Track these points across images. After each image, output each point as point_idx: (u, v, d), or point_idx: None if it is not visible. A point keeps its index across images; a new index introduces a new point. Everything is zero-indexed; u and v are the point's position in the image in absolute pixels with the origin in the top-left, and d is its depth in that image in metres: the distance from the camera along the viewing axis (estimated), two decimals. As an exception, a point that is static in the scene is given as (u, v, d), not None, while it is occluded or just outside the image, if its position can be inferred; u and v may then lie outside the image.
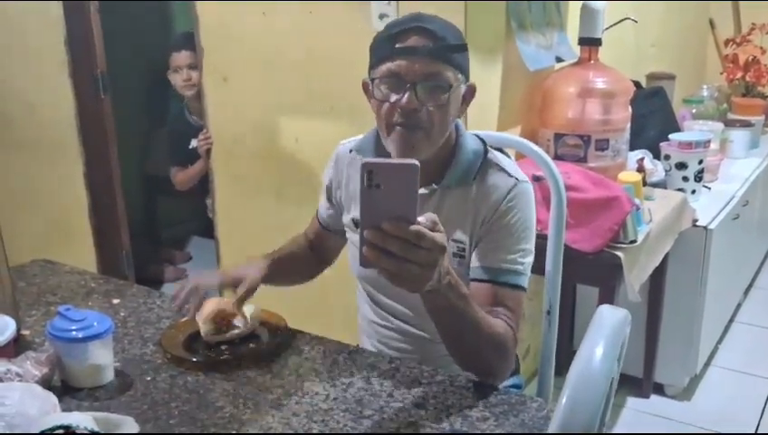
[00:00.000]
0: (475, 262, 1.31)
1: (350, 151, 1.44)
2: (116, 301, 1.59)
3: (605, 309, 0.99)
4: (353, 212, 1.43)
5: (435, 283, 1.02)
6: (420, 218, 0.97)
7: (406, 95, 1.21)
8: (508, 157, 1.40)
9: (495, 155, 1.35)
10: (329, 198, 1.52)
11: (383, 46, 1.24)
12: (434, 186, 1.32)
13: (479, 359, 1.22)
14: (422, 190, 1.31)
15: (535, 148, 1.56)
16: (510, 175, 1.31)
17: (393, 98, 1.22)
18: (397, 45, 1.21)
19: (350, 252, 1.49)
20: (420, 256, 0.96)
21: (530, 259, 1.32)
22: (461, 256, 1.32)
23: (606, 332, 0.93)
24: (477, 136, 1.38)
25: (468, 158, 1.32)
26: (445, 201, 1.33)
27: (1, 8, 2.71)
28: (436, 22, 1.24)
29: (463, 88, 1.28)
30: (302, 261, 1.59)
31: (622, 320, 0.97)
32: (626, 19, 2.66)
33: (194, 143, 3.02)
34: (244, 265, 1.45)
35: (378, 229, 0.93)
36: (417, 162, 0.93)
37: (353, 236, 1.43)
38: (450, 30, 1.25)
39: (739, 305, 3.23)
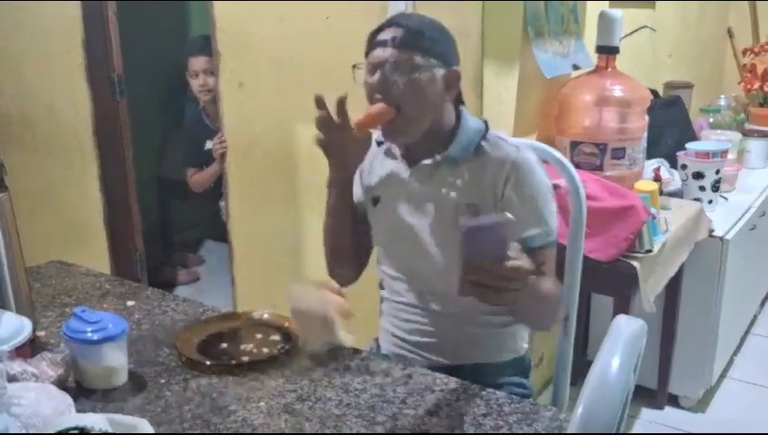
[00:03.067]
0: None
1: (378, 144, 1.54)
2: (131, 303, 1.60)
3: (622, 319, 0.98)
4: (374, 190, 1.52)
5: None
6: (510, 253, 1.08)
7: (377, 75, 1.35)
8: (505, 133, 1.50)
9: (496, 132, 1.45)
10: (361, 185, 1.57)
11: (368, 42, 1.39)
12: (437, 157, 1.42)
13: (538, 317, 1.38)
14: (427, 161, 1.42)
15: (557, 154, 1.57)
16: (511, 145, 1.41)
17: (369, 79, 1.37)
18: (375, 39, 1.37)
19: (372, 229, 1.55)
20: (514, 283, 1.08)
21: (554, 213, 1.41)
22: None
23: (622, 342, 0.92)
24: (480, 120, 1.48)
25: (469, 133, 1.42)
26: (451, 171, 1.42)
27: (20, 11, 2.74)
28: (414, 18, 1.42)
29: (440, 71, 1.36)
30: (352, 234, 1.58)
31: (639, 331, 0.97)
32: (643, 27, 2.65)
33: (209, 145, 3.04)
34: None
35: (477, 268, 1.05)
36: (508, 219, 1.07)
37: (373, 213, 1.53)
38: (426, 23, 1.38)
39: (755, 317, 3.20)
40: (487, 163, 1.39)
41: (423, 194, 1.43)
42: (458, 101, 1.46)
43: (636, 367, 0.96)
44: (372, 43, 1.38)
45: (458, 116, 1.44)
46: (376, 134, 1.48)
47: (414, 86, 1.34)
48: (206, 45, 2.97)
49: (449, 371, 1.36)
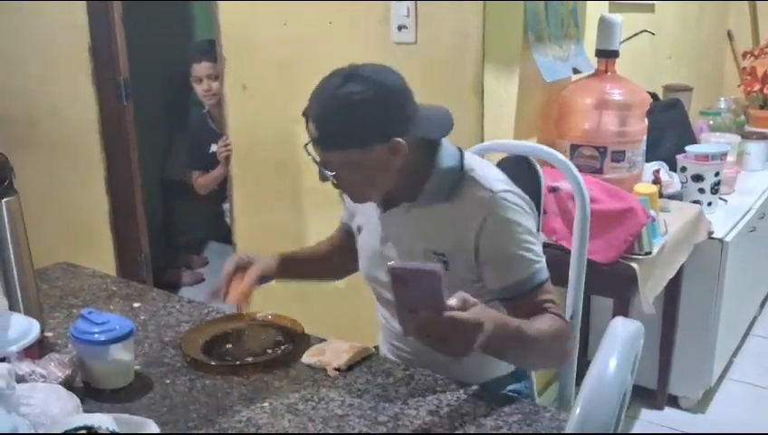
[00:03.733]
0: (495, 284, 1.33)
1: None
2: (136, 304, 1.62)
3: (619, 321, 1.00)
4: (356, 220, 1.52)
5: (482, 342, 1.07)
6: (451, 301, 1.05)
7: (321, 178, 1.33)
8: (489, 166, 1.41)
9: (473, 168, 1.36)
10: (347, 205, 1.58)
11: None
12: (406, 204, 1.38)
13: (547, 360, 1.34)
14: (397, 208, 1.38)
15: (562, 157, 1.59)
16: (485, 187, 1.32)
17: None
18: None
19: (360, 253, 1.53)
20: (459, 336, 1.05)
21: (538, 250, 1.33)
22: (445, 266, 1.33)
23: (619, 344, 0.94)
24: (460, 150, 1.39)
25: (441, 177, 1.34)
26: (422, 217, 1.37)
27: (27, 17, 2.77)
28: (323, 104, 1.27)
29: (374, 151, 1.27)
30: (323, 260, 1.65)
31: (635, 333, 0.99)
32: (643, 32, 2.66)
33: (214, 148, 3.06)
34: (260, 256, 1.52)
35: (415, 317, 1.04)
36: (438, 269, 1.02)
37: (359, 240, 1.52)
38: (335, 111, 1.25)
39: (755, 318, 3.22)
40: (460, 210, 1.33)
41: (395, 237, 1.41)
42: (434, 147, 1.36)
43: (633, 369, 0.98)
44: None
45: (432, 155, 1.35)
46: None
47: (352, 176, 1.30)
48: (209, 50, 3.00)
49: None
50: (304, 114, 1.30)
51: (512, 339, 1.19)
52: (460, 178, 1.35)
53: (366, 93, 1.24)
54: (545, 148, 1.66)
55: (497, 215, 1.30)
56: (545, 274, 1.33)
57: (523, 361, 1.34)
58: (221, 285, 1.46)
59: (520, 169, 1.62)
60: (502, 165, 1.64)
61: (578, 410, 0.88)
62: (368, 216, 1.47)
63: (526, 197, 1.37)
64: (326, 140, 1.27)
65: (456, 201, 1.34)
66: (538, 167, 1.61)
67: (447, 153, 1.36)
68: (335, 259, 1.65)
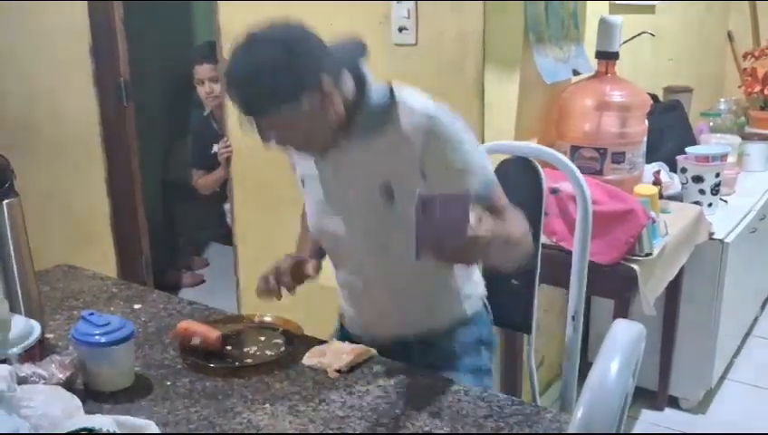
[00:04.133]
0: None
1: None
2: (137, 306, 1.62)
3: (621, 324, 1.00)
4: (298, 172, 1.52)
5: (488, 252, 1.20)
6: (471, 222, 1.12)
7: (264, 142, 1.31)
8: (418, 92, 1.39)
9: (404, 98, 1.35)
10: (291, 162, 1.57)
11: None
12: (342, 143, 1.36)
13: (510, 258, 1.33)
14: (332, 150, 1.37)
15: (564, 158, 1.61)
16: (421, 113, 1.32)
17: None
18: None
19: (307, 206, 1.53)
20: (475, 251, 1.17)
21: (483, 159, 1.37)
22: (391, 198, 1.35)
23: (621, 347, 0.94)
24: (388, 82, 1.38)
25: (372, 108, 1.34)
26: (360, 152, 1.36)
27: (28, 19, 2.77)
28: (241, 75, 1.26)
29: (302, 104, 1.25)
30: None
31: (637, 335, 0.99)
32: (643, 33, 2.67)
33: (215, 148, 3.07)
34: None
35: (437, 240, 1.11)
36: (467, 195, 1.14)
37: (305, 194, 1.52)
38: (254, 77, 1.24)
39: (756, 319, 3.22)
40: (399, 139, 1.33)
41: (336, 180, 1.41)
42: (358, 79, 1.35)
43: (635, 371, 0.98)
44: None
45: (360, 86, 1.35)
46: None
47: (294, 129, 1.30)
48: (211, 53, 3.02)
49: (402, 345, 1.44)
50: (228, 93, 1.29)
51: (501, 245, 1.24)
52: (393, 107, 1.34)
53: (275, 50, 1.24)
54: (547, 149, 1.67)
55: (440, 135, 1.31)
56: (495, 178, 1.37)
57: (501, 262, 1.34)
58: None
59: (521, 171, 1.63)
60: (503, 166, 1.65)
61: (579, 414, 0.88)
62: (307, 166, 1.45)
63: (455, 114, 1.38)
64: (257, 107, 1.27)
65: (392, 131, 1.33)
66: (539, 168, 1.62)
67: (375, 87, 1.36)
68: None
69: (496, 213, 1.30)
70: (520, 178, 1.60)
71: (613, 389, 0.89)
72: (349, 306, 1.55)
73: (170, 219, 4.02)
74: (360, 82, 1.35)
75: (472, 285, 1.52)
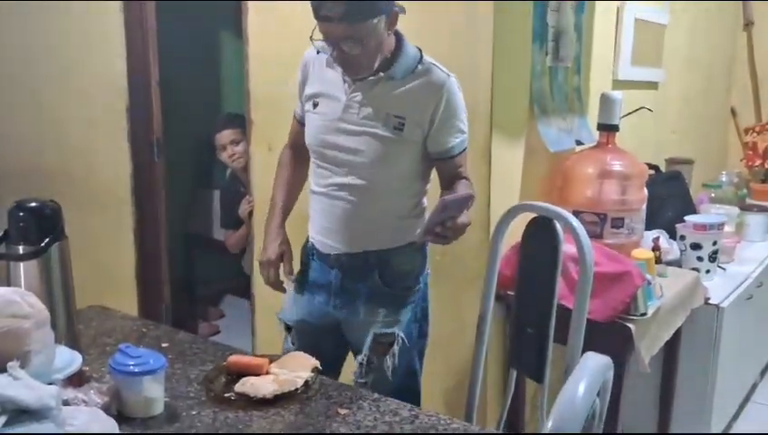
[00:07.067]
0: (436, 148, 1.74)
1: (318, 53, 1.74)
2: (165, 344, 1.76)
3: (590, 354, 1.16)
4: (313, 89, 1.79)
5: None
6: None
7: (334, 53, 1.61)
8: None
9: (429, 59, 1.73)
10: (301, 97, 1.85)
11: (314, 11, 1.58)
12: (381, 74, 1.69)
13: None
14: (371, 77, 1.69)
15: (571, 218, 1.77)
16: (443, 71, 1.71)
17: (327, 50, 1.63)
18: (319, 13, 1.56)
19: (312, 123, 1.80)
20: (462, 230, 1.58)
21: (466, 126, 1.77)
22: (400, 129, 1.70)
23: (588, 371, 1.11)
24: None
25: (408, 58, 1.70)
26: (388, 88, 1.70)
27: (72, 70, 2.96)
28: None
29: (383, 19, 1.59)
30: (298, 176, 2.00)
31: (605, 365, 1.15)
32: (642, 108, 2.83)
33: (240, 208, 3.26)
34: (273, 240, 1.95)
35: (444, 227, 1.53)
36: (473, 195, 1.59)
37: (314, 112, 1.79)
38: None
39: (755, 385, 3.28)
40: (422, 85, 1.69)
41: (359, 102, 1.70)
42: (397, 32, 1.69)
43: (602, 394, 1.13)
44: (320, 15, 1.56)
45: (399, 40, 1.70)
46: (312, 50, 1.73)
47: (365, 47, 1.58)
48: (229, 121, 3.35)
49: (364, 260, 1.79)
50: (322, 7, 1.54)
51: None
52: (421, 62, 1.71)
53: None
54: (560, 210, 1.81)
55: (451, 98, 1.70)
56: (467, 143, 1.77)
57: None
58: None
59: (540, 229, 1.80)
60: (526, 229, 1.87)
61: (550, 423, 1.03)
62: (327, 89, 1.75)
63: None
64: (355, 13, 1.54)
65: (418, 81, 1.70)
66: (559, 229, 1.76)
67: (408, 43, 1.72)
68: (299, 168, 1.97)
69: (458, 178, 1.73)
70: (539, 235, 1.79)
71: (580, 405, 1.04)
72: (321, 217, 1.83)
73: (190, 270, 4.16)
74: (398, 34, 1.70)
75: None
